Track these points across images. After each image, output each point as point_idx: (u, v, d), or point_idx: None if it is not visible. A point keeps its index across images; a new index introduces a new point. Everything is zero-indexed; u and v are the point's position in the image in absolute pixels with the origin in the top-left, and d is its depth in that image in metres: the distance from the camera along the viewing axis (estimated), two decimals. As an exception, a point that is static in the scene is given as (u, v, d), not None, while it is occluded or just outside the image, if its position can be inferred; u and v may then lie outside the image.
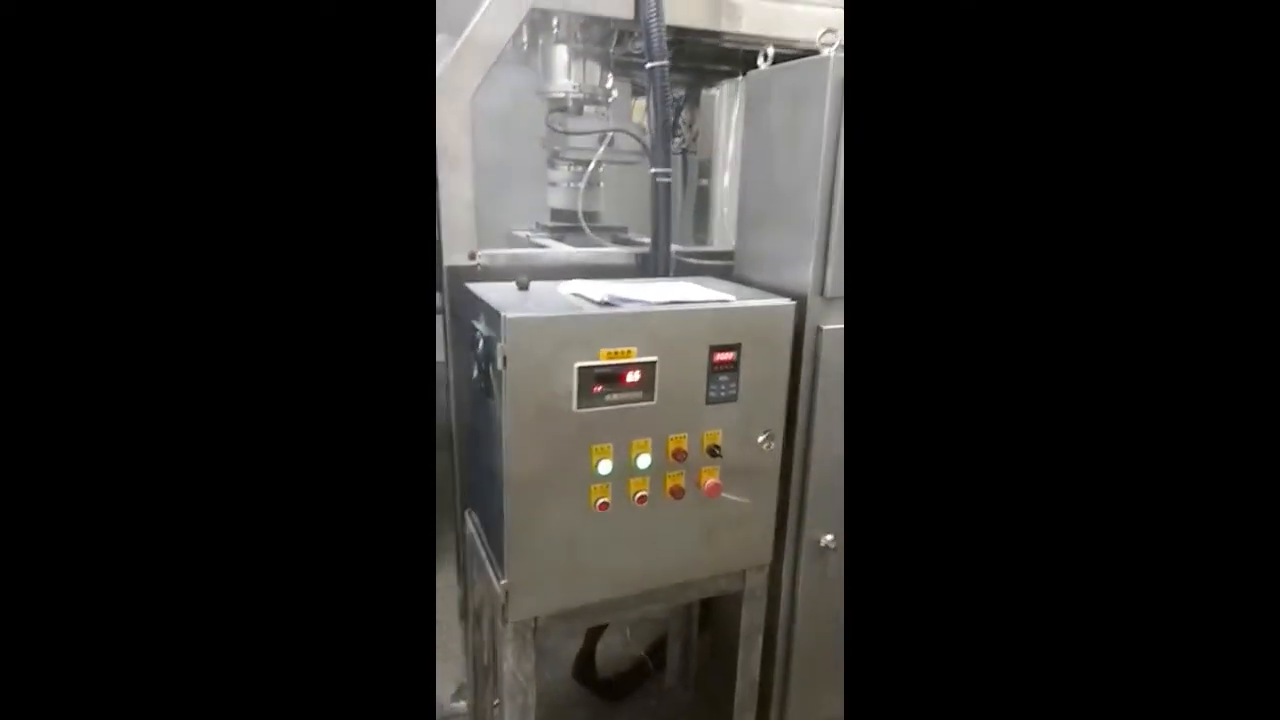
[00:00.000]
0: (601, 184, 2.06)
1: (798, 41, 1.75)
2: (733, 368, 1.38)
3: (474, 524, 1.63)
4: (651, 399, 1.31)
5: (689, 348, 1.33)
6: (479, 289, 1.40)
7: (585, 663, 2.08)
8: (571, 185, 2.01)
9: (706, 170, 2.34)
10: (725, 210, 2.24)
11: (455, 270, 1.58)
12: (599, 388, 1.27)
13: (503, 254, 1.68)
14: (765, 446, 1.45)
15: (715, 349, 1.35)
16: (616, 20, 1.69)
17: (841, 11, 1.79)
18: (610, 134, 1.93)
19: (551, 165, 2.07)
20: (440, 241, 1.58)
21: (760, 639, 1.63)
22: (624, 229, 2.18)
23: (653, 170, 1.70)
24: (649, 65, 1.62)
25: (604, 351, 1.26)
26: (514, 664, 1.39)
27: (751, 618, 1.60)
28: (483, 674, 1.80)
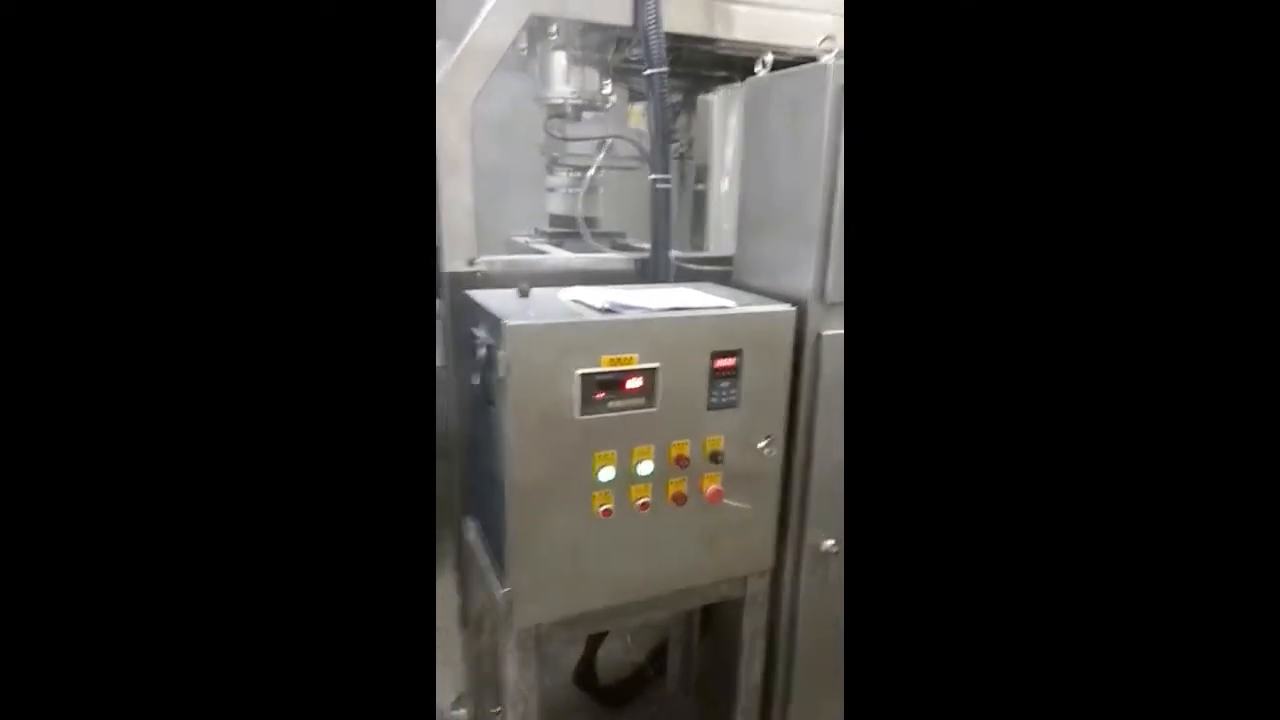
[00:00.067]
0: (600, 189, 2.06)
1: (792, 48, 1.76)
2: (734, 374, 1.38)
3: (475, 531, 1.62)
4: (653, 405, 1.31)
5: (690, 354, 1.34)
6: (479, 296, 1.40)
7: (586, 669, 2.07)
8: (570, 191, 2.00)
9: (703, 175, 2.34)
10: (723, 215, 2.24)
11: (455, 276, 1.58)
12: (601, 394, 1.27)
13: (502, 260, 1.67)
14: (766, 452, 1.45)
15: (716, 355, 1.36)
16: (615, 27, 1.69)
17: (836, 18, 1.81)
18: (609, 140, 1.93)
19: (550, 171, 2.07)
20: (440, 248, 1.58)
21: (762, 645, 1.63)
22: (622, 234, 2.18)
23: (652, 176, 1.70)
24: (648, 72, 1.63)
25: (606, 358, 1.26)
26: (516, 672, 1.39)
27: (753, 623, 1.60)
28: (483, 682, 1.79)
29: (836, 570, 1.59)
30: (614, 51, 1.89)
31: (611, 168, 1.99)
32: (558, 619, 1.38)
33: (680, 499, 1.38)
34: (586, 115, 1.96)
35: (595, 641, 2.07)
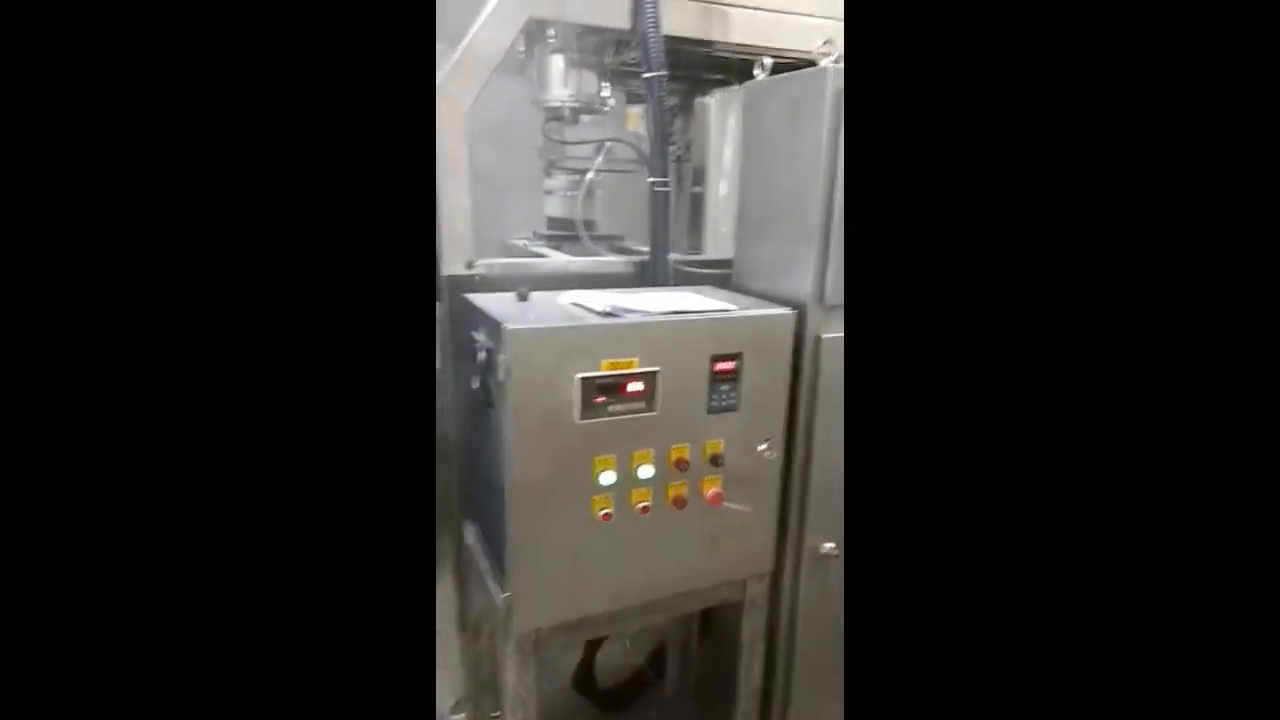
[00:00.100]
0: (598, 192, 2.06)
1: (788, 51, 1.76)
2: (734, 377, 1.38)
3: (474, 535, 1.62)
4: (653, 409, 1.31)
5: (690, 357, 1.34)
6: (479, 299, 1.40)
7: (585, 673, 2.07)
8: (569, 194, 2.00)
9: (700, 178, 2.34)
10: (720, 218, 2.24)
11: (453, 280, 1.58)
12: (601, 398, 1.26)
13: (500, 263, 1.67)
14: (766, 455, 1.45)
15: (716, 358, 1.36)
16: (613, 30, 1.69)
17: (832, 22, 1.82)
18: (608, 143, 1.93)
19: (548, 174, 2.07)
20: (438, 251, 1.57)
21: (761, 648, 1.63)
22: (620, 237, 2.18)
23: (651, 180, 1.70)
24: (647, 76, 1.63)
25: (606, 362, 1.26)
26: (515, 677, 1.38)
27: (753, 626, 1.60)
28: (482, 686, 1.79)
29: (836, 573, 1.59)
30: (612, 54, 1.89)
31: (609, 170, 1.99)
32: (557, 624, 1.38)
33: (680, 502, 1.38)
34: (584, 118, 1.96)
35: (594, 645, 2.06)
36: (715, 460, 1.39)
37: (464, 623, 1.79)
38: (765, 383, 1.42)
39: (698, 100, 2.32)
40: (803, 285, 1.44)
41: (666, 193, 1.70)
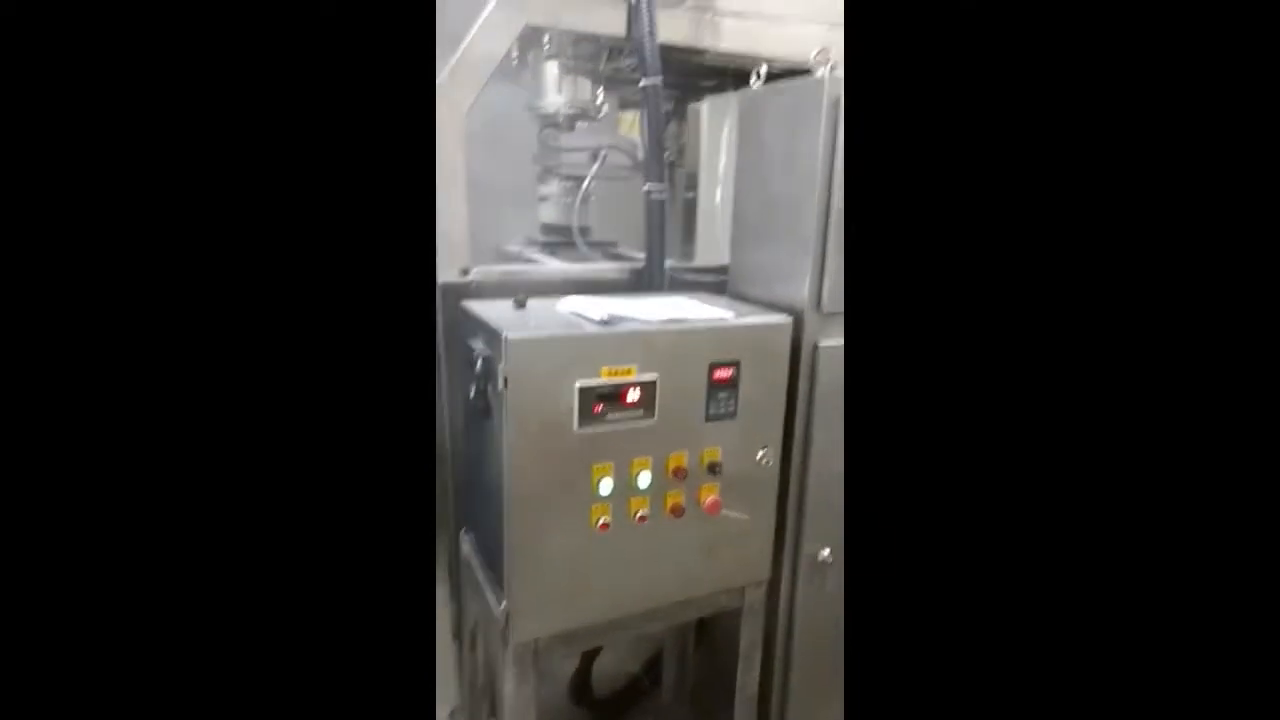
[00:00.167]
0: (593, 198, 2.06)
1: (780, 59, 1.77)
2: (731, 384, 1.38)
3: (470, 544, 1.61)
4: (652, 417, 1.31)
5: (688, 365, 1.33)
6: (476, 307, 1.39)
7: (581, 681, 2.05)
8: (564, 200, 2.00)
9: (693, 183, 2.35)
10: (713, 224, 2.25)
11: (448, 287, 1.57)
12: (600, 407, 1.26)
13: (496, 270, 1.67)
14: (764, 462, 1.45)
15: (714, 366, 1.36)
16: (608, 37, 1.69)
17: (824, 30, 1.83)
18: (604, 150, 1.93)
19: (542, 180, 2.07)
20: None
21: (759, 655, 1.62)
22: (614, 243, 2.18)
23: (646, 186, 1.70)
24: (643, 83, 1.63)
25: (605, 370, 1.25)
26: (514, 687, 1.37)
27: (751, 634, 1.60)
28: (478, 696, 1.77)
29: (832, 579, 1.60)
30: (606, 61, 1.89)
31: (603, 177, 1.99)
32: (556, 633, 1.37)
33: (678, 510, 1.37)
34: (579, 125, 1.96)
35: (590, 655, 2.05)
36: (713, 468, 1.39)
37: (458, 632, 1.78)
38: (763, 390, 1.42)
39: (690, 106, 2.33)
40: (799, 292, 1.44)
41: (662, 199, 1.70)
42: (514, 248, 2.15)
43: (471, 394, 1.33)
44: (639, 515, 1.34)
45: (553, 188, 2.04)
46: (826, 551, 1.57)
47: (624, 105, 2.23)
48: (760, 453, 1.44)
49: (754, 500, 1.47)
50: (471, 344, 1.35)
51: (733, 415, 1.39)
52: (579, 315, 1.35)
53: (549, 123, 1.92)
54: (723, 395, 1.37)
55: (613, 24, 1.65)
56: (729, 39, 1.80)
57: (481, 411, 1.33)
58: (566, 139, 1.94)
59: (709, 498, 1.40)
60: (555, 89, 1.87)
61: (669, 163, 2.36)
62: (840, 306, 1.43)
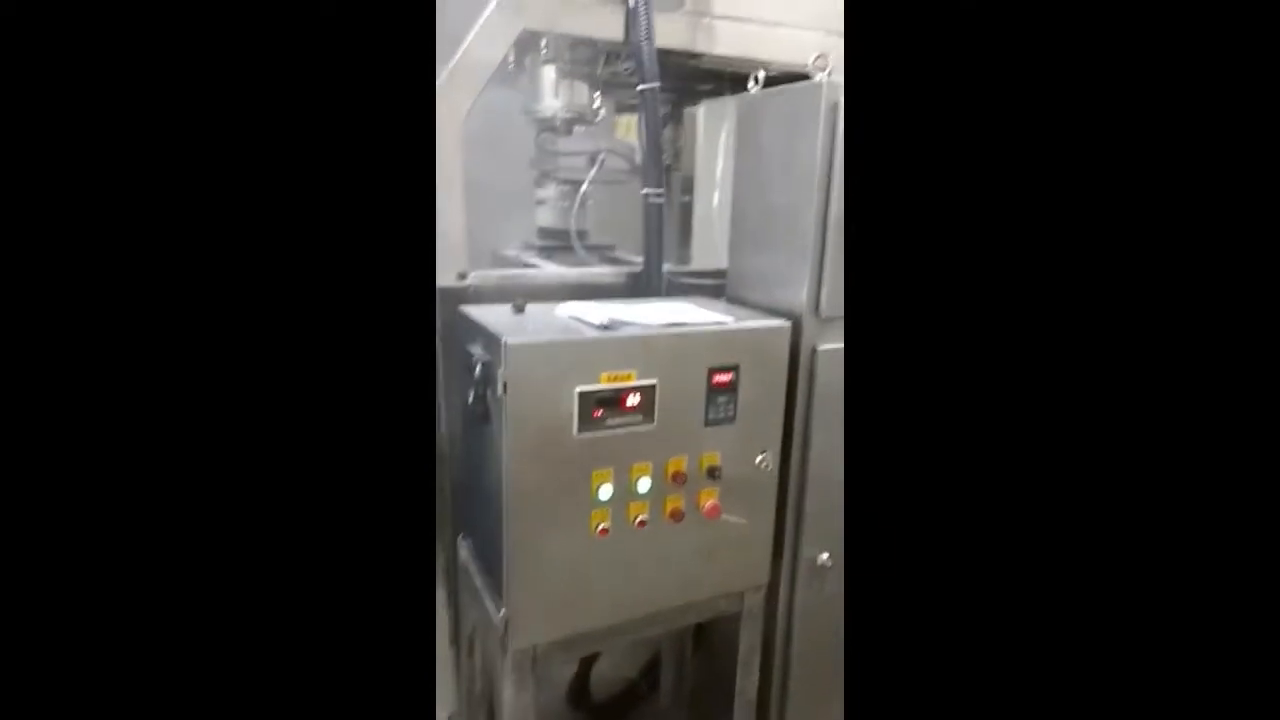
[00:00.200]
0: (590, 202, 2.06)
1: (776, 64, 1.77)
2: (731, 389, 1.38)
3: (468, 550, 1.60)
4: (651, 422, 1.31)
5: (688, 370, 1.33)
6: (474, 312, 1.38)
7: (579, 686, 2.05)
8: (562, 204, 2.00)
9: (689, 187, 2.35)
10: (710, 228, 2.25)
11: (446, 291, 1.56)
12: (599, 412, 1.26)
13: (494, 274, 1.66)
14: (763, 466, 1.45)
15: (714, 370, 1.35)
16: (605, 41, 1.69)
17: (820, 35, 1.83)
18: (602, 154, 1.93)
19: (539, 184, 2.06)
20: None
21: (758, 659, 1.62)
22: (611, 247, 2.18)
23: (644, 191, 1.70)
24: (641, 87, 1.63)
25: (605, 375, 1.25)
26: (513, 694, 1.37)
27: (750, 638, 1.60)
28: (475, 702, 1.76)
29: (831, 583, 1.60)
30: (603, 65, 1.89)
31: (600, 181, 1.99)
32: (555, 639, 1.37)
33: (678, 515, 1.37)
34: (576, 129, 1.96)
35: (589, 660, 2.05)
36: (713, 472, 1.39)
37: (456, 637, 1.77)
38: (762, 394, 1.42)
39: (687, 110, 2.33)
40: (798, 297, 1.44)
41: (660, 204, 1.70)
42: (511, 252, 2.15)
43: (470, 399, 1.33)
44: (639, 520, 1.34)
45: (550, 192, 2.04)
46: (826, 555, 1.57)
47: (621, 109, 2.23)
48: (759, 457, 1.44)
49: (753, 504, 1.47)
50: (470, 349, 1.34)
51: (732, 419, 1.39)
52: (578, 320, 1.35)
53: (546, 127, 1.92)
54: (722, 399, 1.37)
55: (610, 28, 1.65)
56: (726, 43, 1.81)
57: (480, 417, 1.32)
58: (564, 143, 1.94)
59: (708, 502, 1.39)
60: (553, 93, 1.87)
61: (666, 167, 2.36)
62: (839, 311, 1.44)
